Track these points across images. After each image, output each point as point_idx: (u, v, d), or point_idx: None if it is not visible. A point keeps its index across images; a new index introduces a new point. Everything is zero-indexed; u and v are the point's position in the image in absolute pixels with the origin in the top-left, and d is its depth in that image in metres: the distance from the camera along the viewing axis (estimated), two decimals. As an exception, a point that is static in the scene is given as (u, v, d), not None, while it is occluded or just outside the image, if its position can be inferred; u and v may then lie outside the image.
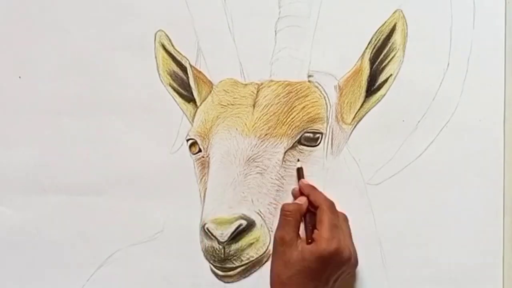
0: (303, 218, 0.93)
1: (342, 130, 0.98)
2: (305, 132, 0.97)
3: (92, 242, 1.03)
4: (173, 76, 1.02)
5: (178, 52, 1.02)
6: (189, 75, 1.01)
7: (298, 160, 0.96)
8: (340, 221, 0.92)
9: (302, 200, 0.94)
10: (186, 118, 1.01)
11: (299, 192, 0.95)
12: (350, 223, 0.94)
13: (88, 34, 1.04)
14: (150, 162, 1.02)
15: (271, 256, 0.94)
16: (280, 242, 0.91)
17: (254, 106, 0.98)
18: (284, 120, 0.97)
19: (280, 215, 0.93)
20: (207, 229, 0.96)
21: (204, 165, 0.99)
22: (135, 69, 1.02)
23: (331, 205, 0.93)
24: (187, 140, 1.01)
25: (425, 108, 0.96)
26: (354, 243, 0.94)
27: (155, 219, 1.01)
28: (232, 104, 0.99)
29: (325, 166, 0.97)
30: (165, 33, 1.02)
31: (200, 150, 1.00)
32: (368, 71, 0.97)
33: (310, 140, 0.97)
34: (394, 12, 0.97)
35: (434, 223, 0.95)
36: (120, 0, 1.03)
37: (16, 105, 1.05)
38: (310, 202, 0.94)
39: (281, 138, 0.97)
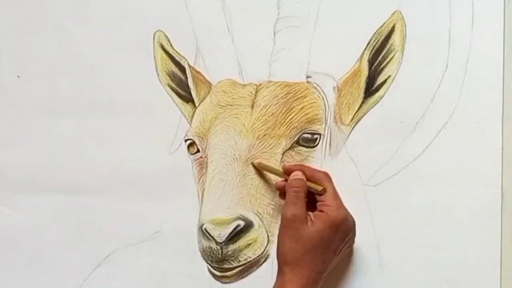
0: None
1: (341, 131, 0.97)
2: (303, 133, 0.97)
3: (90, 241, 1.03)
4: (172, 76, 1.02)
5: (177, 52, 1.02)
6: (187, 76, 1.01)
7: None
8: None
9: (300, 175, 0.93)
10: (184, 119, 1.01)
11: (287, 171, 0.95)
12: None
13: (87, 34, 1.04)
14: (149, 162, 1.02)
15: (277, 237, 0.91)
16: (292, 219, 0.89)
17: (252, 106, 0.98)
18: (283, 121, 0.97)
19: (289, 192, 0.92)
20: (205, 229, 0.96)
21: (202, 165, 0.99)
22: (134, 69, 1.02)
23: (328, 175, 0.94)
24: (186, 141, 1.01)
25: (423, 110, 0.95)
26: (352, 244, 0.95)
27: (153, 219, 1.01)
28: (231, 105, 0.99)
29: (323, 167, 0.97)
30: (164, 33, 1.02)
31: (198, 151, 1.00)
32: (367, 72, 0.97)
33: (308, 141, 0.97)
34: (393, 13, 0.96)
35: (432, 224, 0.95)
36: (119, 0, 1.03)
37: (15, 105, 1.05)
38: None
39: (279, 139, 0.97)
